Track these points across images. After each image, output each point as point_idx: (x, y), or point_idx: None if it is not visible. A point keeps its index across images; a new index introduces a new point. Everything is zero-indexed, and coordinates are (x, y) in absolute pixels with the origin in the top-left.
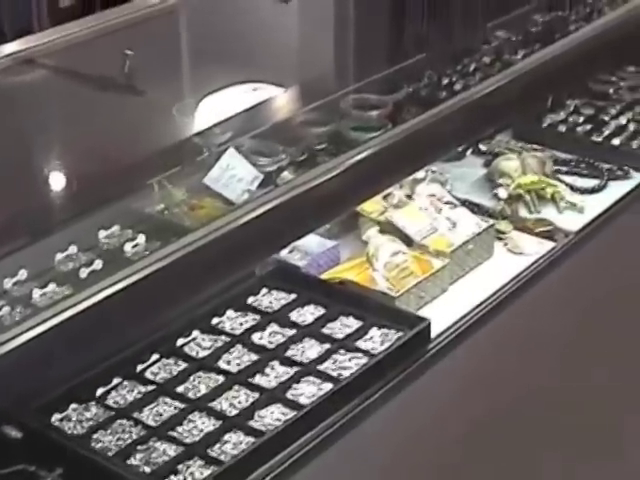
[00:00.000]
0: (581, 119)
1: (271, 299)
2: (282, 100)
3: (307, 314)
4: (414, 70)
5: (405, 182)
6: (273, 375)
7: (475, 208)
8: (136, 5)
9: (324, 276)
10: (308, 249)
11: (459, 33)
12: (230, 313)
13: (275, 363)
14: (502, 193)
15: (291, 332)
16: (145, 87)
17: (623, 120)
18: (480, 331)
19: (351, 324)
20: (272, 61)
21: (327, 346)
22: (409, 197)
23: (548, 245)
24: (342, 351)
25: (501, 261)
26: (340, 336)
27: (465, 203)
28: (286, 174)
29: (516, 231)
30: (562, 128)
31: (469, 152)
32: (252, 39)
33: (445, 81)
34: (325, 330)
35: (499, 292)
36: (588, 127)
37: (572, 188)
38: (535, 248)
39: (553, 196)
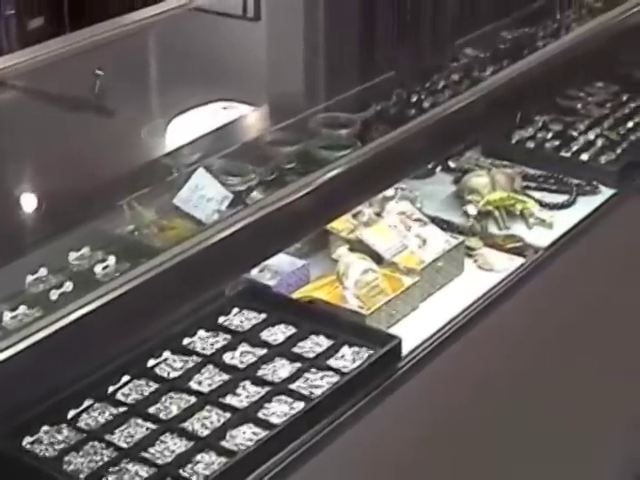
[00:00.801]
0: (549, 135)
1: (242, 319)
2: (251, 119)
3: (278, 333)
4: (383, 88)
5: (375, 200)
6: (244, 395)
7: (445, 225)
8: (106, 26)
9: (294, 295)
10: (278, 268)
11: (428, 51)
12: (201, 333)
13: (246, 383)
14: (471, 210)
15: (262, 351)
16: (115, 107)
17: (591, 135)
18: (451, 348)
19: (322, 343)
20: (242, 80)
21: (298, 365)
22: (379, 215)
23: (518, 261)
24: (313, 370)
25: (471, 278)
26: (311, 355)
27: (435, 220)
28: (256, 194)
29: (486, 247)
30: (531, 144)
31: (438, 169)
32: (222, 58)
33: (414, 99)
34: (296, 349)
35: (469, 309)
36: (556, 143)
37: (541, 204)
38: (505, 264)
39: (522, 212)
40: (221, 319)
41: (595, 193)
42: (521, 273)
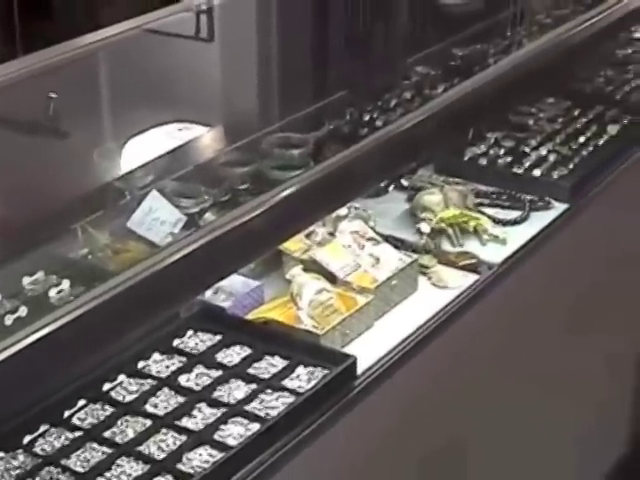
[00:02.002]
0: (502, 151)
1: (197, 341)
2: (205, 141)
3: (233, 355)
4: (336, 107)
5: (328, 219)
6: (200, 417)
7: (398, 243)
8: (59, 49)
9: (249, 316)
10: (232, 290)
11: (380, 69)
12: (156, 356)
13: (202, 405)
14: (425, 228)
15: (217, 373)
16: (69, 130)
17: (543, 151)
18: (406, 366)
19: (277, 363)
20: (196, 101)
21: (254, 386)
22: (332, 234)
23: (472, 278)
24: (269, 391)
25: (426, 295)
26: (266, 376)
27: (388, 239)
28: (209, 215)
29: (440, 265)
30: (483, 161)
31: (391, 187)
32: (176, 79)
33: (366, 118)
34: (251, 370)
35: (424, 326)
36: (509, 159)
37: (494, 220)
38: (459, 281)
39: (476, 229)
40: (176, 341)
41: (548, 208)
42: (475, 289)
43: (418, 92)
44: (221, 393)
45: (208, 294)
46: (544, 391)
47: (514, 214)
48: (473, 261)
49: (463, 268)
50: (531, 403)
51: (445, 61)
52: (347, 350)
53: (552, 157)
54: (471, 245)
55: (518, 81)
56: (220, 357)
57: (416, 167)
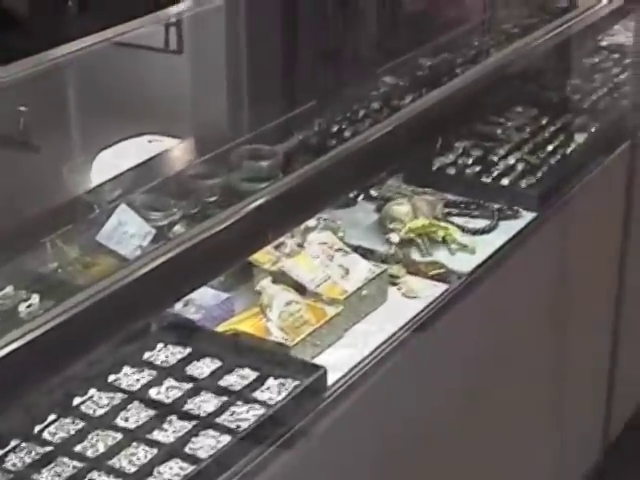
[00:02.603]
0: (470, 161)
1: (167, 354)
2: (174, 153)
3: (203, 367)
4: (305, 119)
5: (297, 231)
6: (171, 430)
7: (368, 254)
8: (29, 62)
9: (219, 328)
10: (202, 302)
11: (348, 80)
12: (126, 370)
13: (173, 418)
14: (394, 238)
15: (188, 386)
16: (40, 144)
17: (511, 160)
18: (376, 376)
19: (247, 375)
20: (166, 113)
21: (224, 398)
22: (301, 246)
23: (441, 287)
24: (239, 403)
25: (395, 305)
26: (237, 388)
27: (357, 249)
28: (178, 228)
29: (409, 275)
30: (451, 170)
31: (360, 198)
32: (146, 91)
33: (335, 128)
34: (222, 382)
35: (394, 337)
36: (477, 168)
37: (463, 230)
38: (428, 291)
39: (445, 238)
40: (146, 355)
41: (516, 217)
42: (445, 299)
43: (386, 102)
44: (192, 406)
45: (178, 307)
46: (517, 398)
47: (483, 223)
48: (442, 271)
49: (432, 278)
50: (504, 410)
51: (413, 71)
52: (317, 361)
53: (520, 166)
54: (440, 255)
55: (485, 90)
56: (190, 370)
57: (385, 177)
